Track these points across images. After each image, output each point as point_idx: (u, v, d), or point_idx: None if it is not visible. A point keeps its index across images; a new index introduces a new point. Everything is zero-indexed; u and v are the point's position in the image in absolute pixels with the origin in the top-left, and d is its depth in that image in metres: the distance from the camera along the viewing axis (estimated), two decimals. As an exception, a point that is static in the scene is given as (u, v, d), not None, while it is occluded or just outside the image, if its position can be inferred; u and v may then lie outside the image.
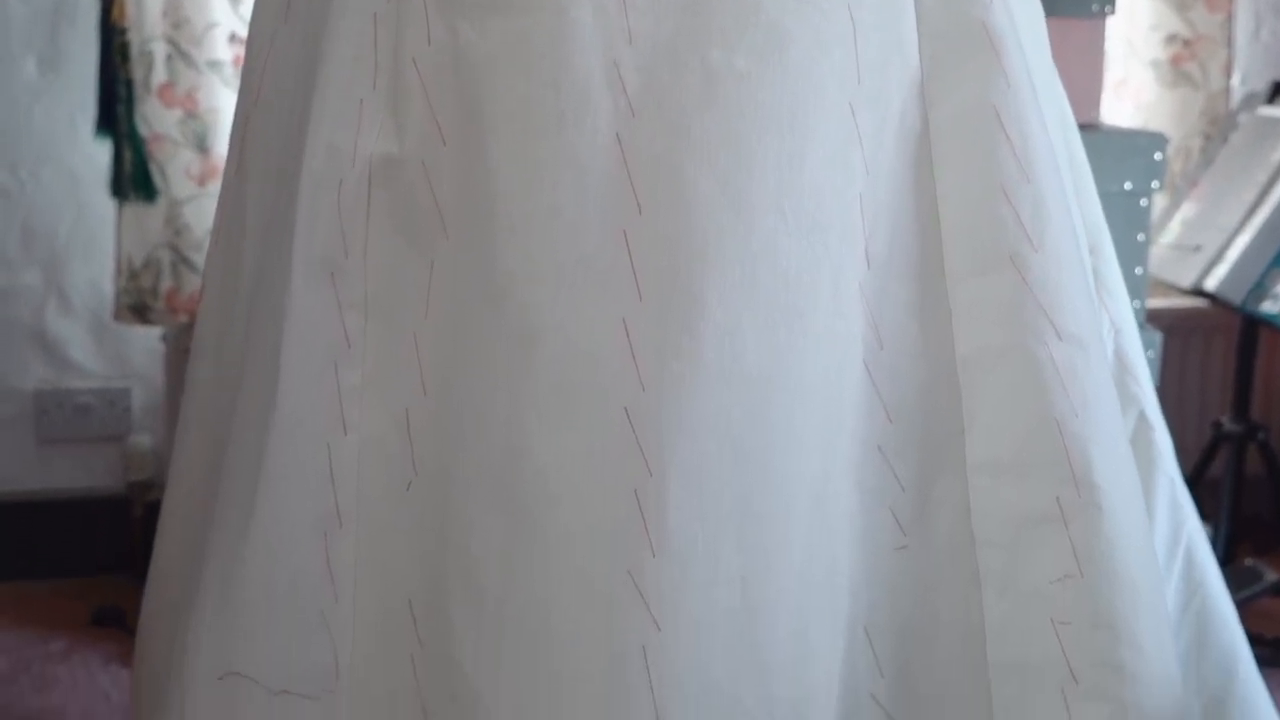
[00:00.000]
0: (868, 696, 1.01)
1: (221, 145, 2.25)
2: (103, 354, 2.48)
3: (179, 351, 2.34)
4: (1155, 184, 2.16)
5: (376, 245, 1.02)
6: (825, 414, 0.99)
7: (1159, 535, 1.31)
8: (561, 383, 0.96)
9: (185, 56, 2.29)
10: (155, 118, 2.29)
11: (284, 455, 1.01)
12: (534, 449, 0.96)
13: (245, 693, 1.03)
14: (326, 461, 1.02)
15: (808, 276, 0.99)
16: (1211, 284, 2.35)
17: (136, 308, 2.32)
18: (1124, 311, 1.32)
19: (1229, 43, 2.71)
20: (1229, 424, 2.51)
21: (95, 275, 2.44)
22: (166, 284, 2.32)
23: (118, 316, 2.33)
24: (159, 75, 2.28)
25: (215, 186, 2.24)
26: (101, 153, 2.28)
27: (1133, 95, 2.72)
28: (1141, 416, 1.33)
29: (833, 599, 1.00)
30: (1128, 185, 2.12)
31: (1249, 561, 2.42)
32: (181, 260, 2.32)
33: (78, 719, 1.99)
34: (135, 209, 2.30)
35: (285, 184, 1.04)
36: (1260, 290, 2.28)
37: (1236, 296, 2.30)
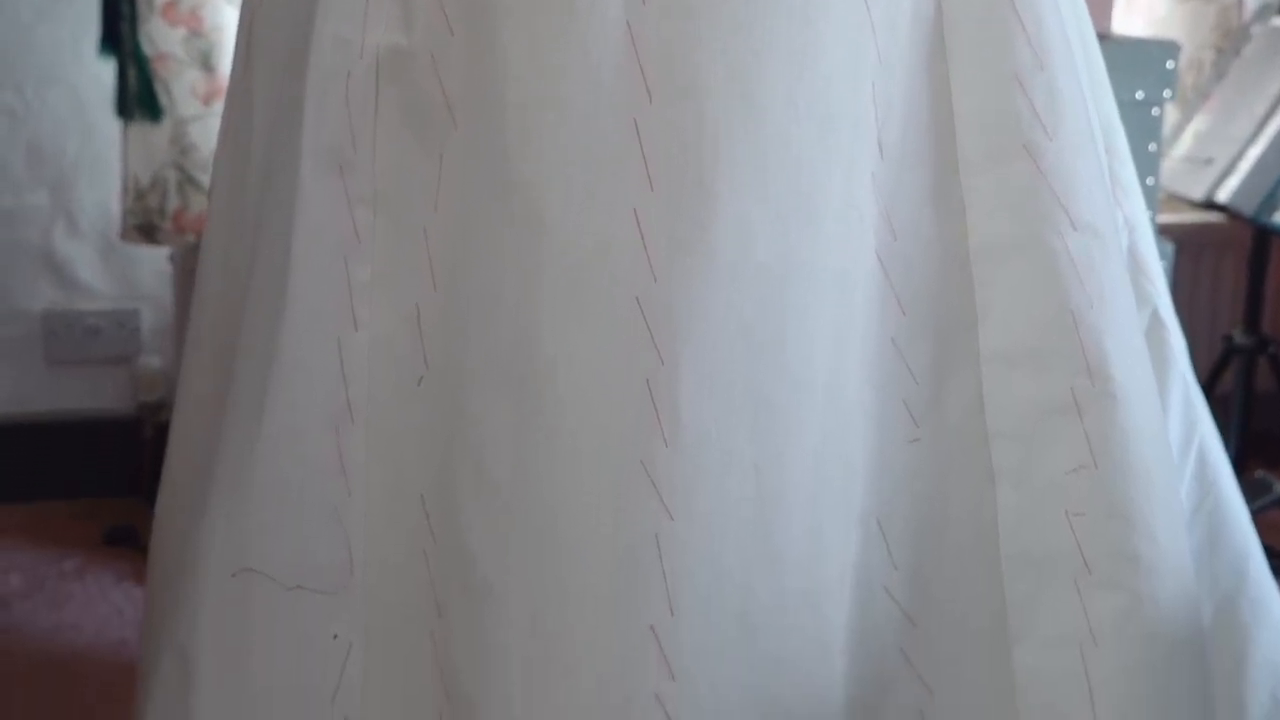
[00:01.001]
0: (881, 589, 1.01)
1: (226, 64, 2.23)
2: (111, 275, 2.47)
3: (186, 272, 2.33)
4: (1167, 93, 2.14)
5: (385, 139, 1.01)
6: (838, 305, 0.98)
7: (1172, 434, 1.31)
8: (572, 272, 0.95)
9: (188, -27, 2.27)
10: (160, 36, 2.28)
11: (295, 350, 1.01)
12: (544, 339, 0.95)
13: (259, 589, 1.04)
14: (337, 357, 1.02)
15: (820, 167, 0.98)
16: (1223, 195, 2.33)
17: (144, 228, 2.31)
18: (1138, 210, 1.31)
19: (1241, -47, 2.68)
20: (1240, 337, 2.51)
21: (102, 196, 2.43)
22: (173, 204, 2.31)
23: (125, 236, 2.32)
24: (162, -8, 2.26)
25: (221, 105, 2.23)
26: (107, 72, 2.27)
27: (1144, 9, 2.69)
28: (1155, 316, 1.33)
29: (846, 491, 0.99)
30: (1139, 94, 2.11)
31: (1259, 473, 2.43)
32: (188, 180, 2.31)
33: (92, 634, 2.00)
34: (141, 128, 2.29)
35: (292, 79, 1.03)
36: (1273, 201, 2.26)
37: (1249, 207, 2.28)
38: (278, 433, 1.01)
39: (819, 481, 0.98)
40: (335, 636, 1.04)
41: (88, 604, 2.10)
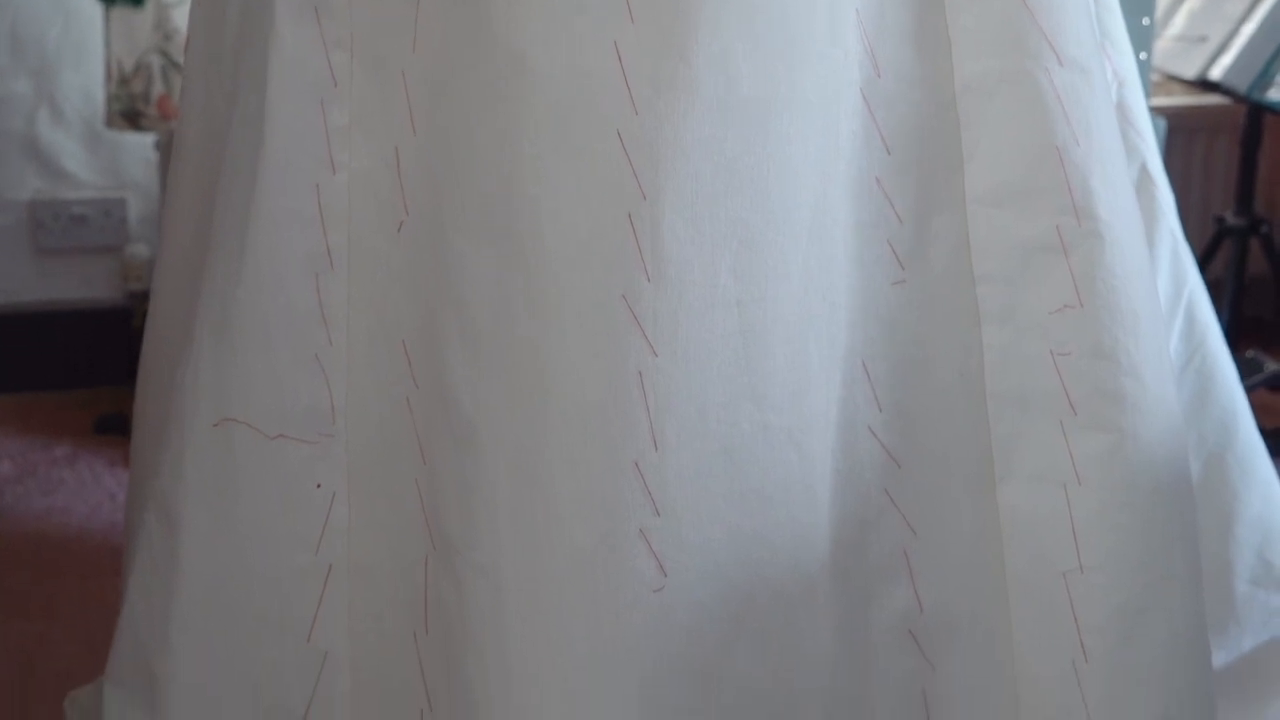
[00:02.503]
0: (865, 429, 1.01)
1: (208, -56, 2.20)
2: (97, 164, 2.45)
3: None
4: (1161, -34, 2.11)
5: None
6: (821, 142, 0.97)
7: (1160, 289, 1.31)
8: (551, 107, 0.94)
9: None
10: (139, -82, 2.25)
11: (273, 195, 1.00)
12: (525, 178, 0.94)
13: (242, 438, 1.03)
14: (315, 202, 1.01)
15: (803, 2, 0.96)
16: (1216, 73, 2.31)
17: (128, 114, 2.29)
18: (1127, 64, 1.30)
19: None
20: (1231, 219, 2.50)
21: (86, 83, 2.41)
22: (157, 89, 2.29)
23: (109, 123, 2.30)
24: None
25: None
26: (86, -45, 2.24)
27: (1139, -112, 2.65)
28: (1144, 170, 1.32)
29: (830, 330, 0.99)
30: (1133, -33, 2.08)
31: (1250, 353, 2.42)
32: (171, 65, 2.29)
33: (83, 517, 2.01)
34: (123, 13, 2.26)
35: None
36: (1266, 78, 2.24)
37: (1242, 85, 2.26)
38: (258, 279, 1.00)
39: (803, 319, 0.97)
40: (319, 486, 1.04)
41: (79, 489, 2.10)
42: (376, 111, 1.01)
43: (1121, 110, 1.27)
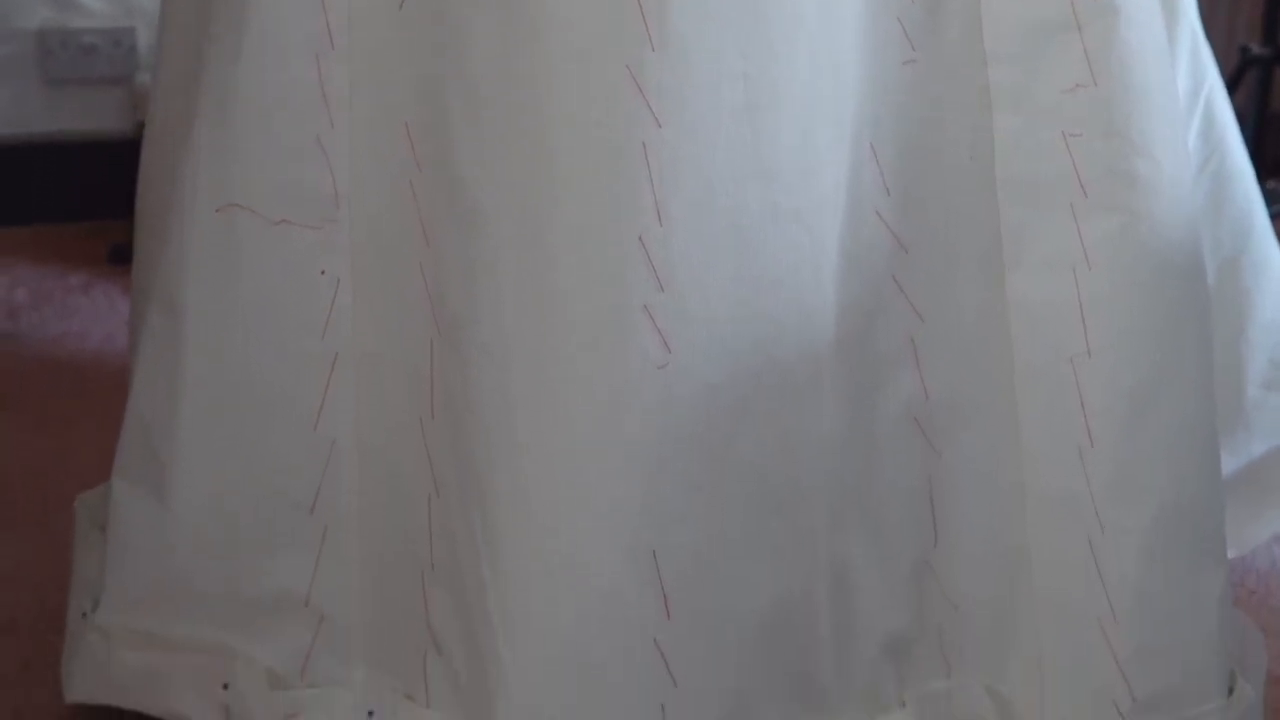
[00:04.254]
0: (872, 213, 1.00)
1: None
2: (106, -8, 2.43)
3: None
4: None
5: None
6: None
7: (1179, 86, 1.28)
8: None
9: None
10: None
11: (271, -27, 0.99)
12: None
13: (244, 224, 1.03)
14: (315, -21, 1.00)
15: None
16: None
17: (136, -61, 2.26)
18: None
19: None
20: (1257, 48, 2.45)
21: (93, -94, 2.37)
22: (164, -86, 2.25)
23: (118, -51, 2.27)
24: None
25: None
26: None
27: None
28: (1164, -37, 1.29)
29: (838, 109, 0.97)
30: None
31: (1272, 184, 2.40)
32: (178, -112, 2.25)
33: (100, 341, 2.02)
34: None
35: None
36: (1296, -104, 2.19)
37: (1271, -96, 2.21)
38: (257, 57, 0.99)
39: (811, 98, 0.96)
40: (323, 272, 1.04)
41: (95, 316, 2.10)
42: None
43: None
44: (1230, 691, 1.06)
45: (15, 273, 2.24)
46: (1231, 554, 1.19)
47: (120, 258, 2.30)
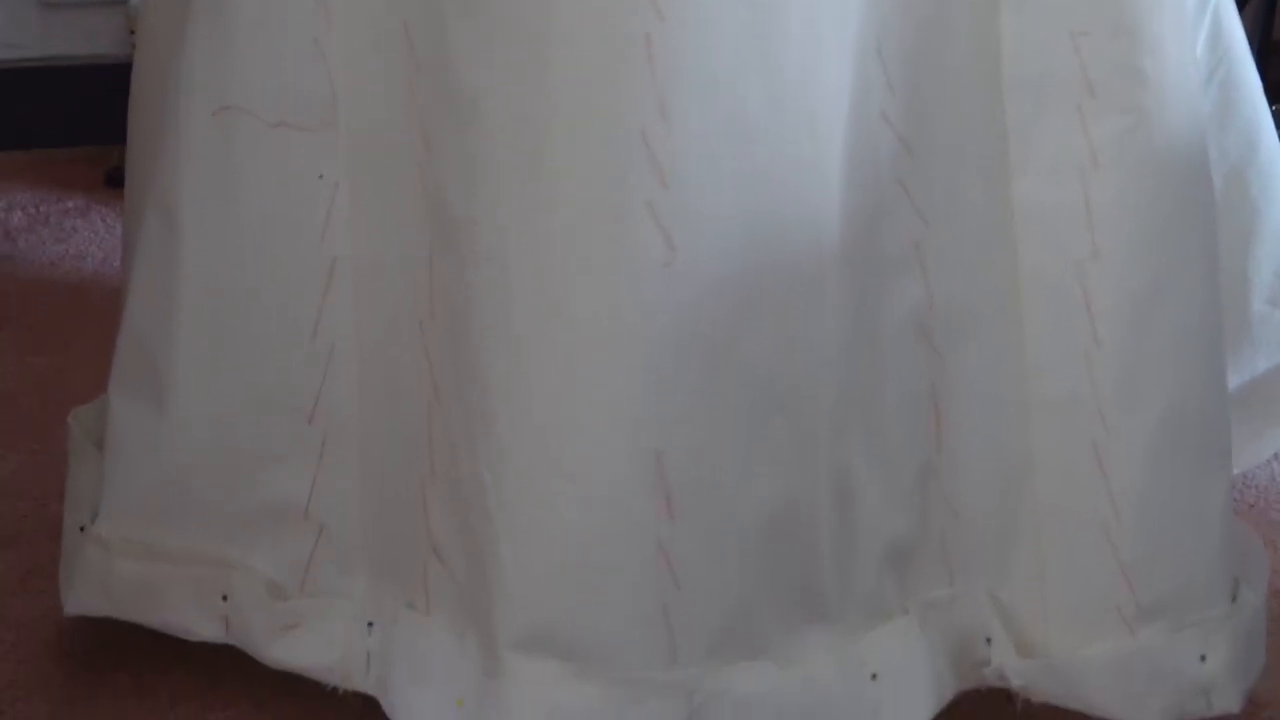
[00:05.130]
0: (878, 115, 0.99)
1: None
2: (100, -89, 2.40)
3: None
4: None
5: None
6: None
7: (1187, -3, 1.27)
8: None
9: None
10: None
11: None
12: None
13: (241, 127, 1.02)
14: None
15: None
16: None
17: None
18: None
19: None
20: (1265, -31, 2.42)
21: None
22: None
23: None
24: None
25: None
26: None
27: None
28: None
29: (843, 7, 0.96)
30: None
31: (1275, 107, 2.37)
32: None
33: (98, 262, 2.01)
34: None
35: None
36: None
37: None
38: (253, -42, 0.98)
39: (816, -4, 0.94)
40: (321, 176, 1.03)
41: (92, 237, 2.09)
42: None
43: None
44: (1233, 598, 1.06)
45: (11, 196, 2.23)
46: (1233, 470, 1.19)
47: (117, 181, 2.28)
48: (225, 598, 1.11)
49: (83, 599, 1.15)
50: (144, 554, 1.11)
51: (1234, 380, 1.37)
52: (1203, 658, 1.04)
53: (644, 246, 0.91)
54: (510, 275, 0.94)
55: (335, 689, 1.09)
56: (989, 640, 1.07)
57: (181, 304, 1.05)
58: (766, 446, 0.95)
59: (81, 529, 1.15)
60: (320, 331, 1.05)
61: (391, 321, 1.03)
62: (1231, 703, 1.05)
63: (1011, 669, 1.06)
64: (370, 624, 1.07)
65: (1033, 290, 1.03)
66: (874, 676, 1.01)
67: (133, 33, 2.43)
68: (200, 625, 1.12)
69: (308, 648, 1.08)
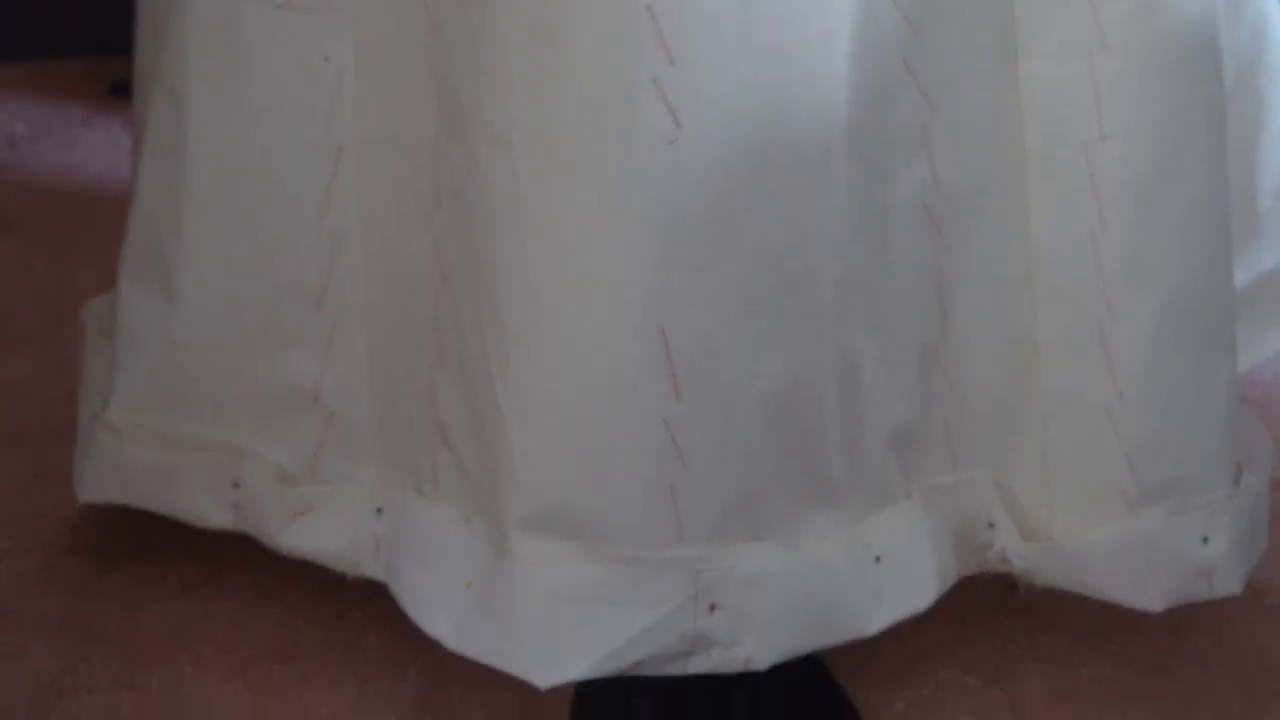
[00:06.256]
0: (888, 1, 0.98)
1: None
2: None
3: None
4: None
5: None
6: None
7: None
8: None
9: None
10: None
11: None
12: None
13: (247, 8, 1.02)
14: None
15: None
16: None
17: None
18: None
19: None
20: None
21: None
22: None
23: None
24: None
25: None
26: None
27: None
28: None
29: None
30: None
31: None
32: None
33: (101, 171, 2.01)
34: None
35: None
36: None
37: None
38: None
39: None
40: (327, 59, 1.02)
41: (95, 147, 2.09)
42: None
43: None
44: (1236, 483, 1.06)
45: (14, 106, 2.22)
46: (1241, 367, 1.19)
47: (121, 91, 2.27)
48: (236, 485, 1.11)
49: (95, 485, 1.15)
50: (155, 440, 1.12)
51: (1241, 278, 1.37)
52: (1205, 540, 1.05)
53: (650, 124, 0.91)
54: (516, 157, 0.94)
55: (343, 577, 1.10)
56: (992, 525, 1.07)
57: (190, 187, 1.05)
58: (773, 326, 0.95)
59: (94, 418, 1.16)
60: (328, 216, 1.05)
61: (398, 207, 1.03)
62: (1233, 585, 1.06)
63: (1014, 552, 1.07)
64: (379, 510, 1.07)
65: (1039, 173, 1.03)
66: (878, 560, 1.02)
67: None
68: (212, 512, 1.13)
69: (318, 534, 1.09)
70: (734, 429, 0.95)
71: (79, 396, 1.23)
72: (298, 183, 1.04)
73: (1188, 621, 1.19)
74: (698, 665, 0.97)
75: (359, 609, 1.17)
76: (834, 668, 1.09)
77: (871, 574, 1.01)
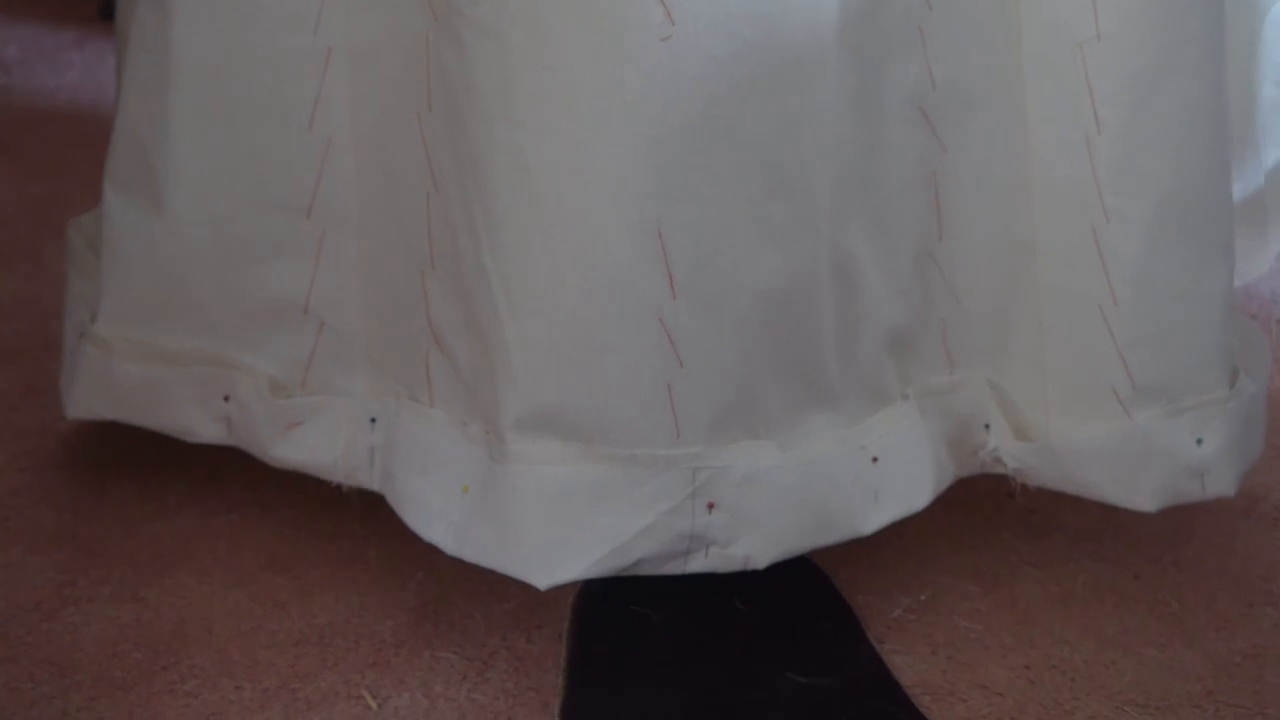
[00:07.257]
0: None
1: None
2: None
3: None
4: None
5: None
6: None
7: None
8: None
9: None
10: None
11: None
12: None
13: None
14: None
15: None
16: None
17: None
18: None
19: None
20: None
21: None
22: None
23: None
24: None
25: None
26: None
27: None
28: None
29: None
30: None
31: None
32: None
33: (93, 94, 2.00)
34: None
35: None
36: None
37: None
38: None
39: None
40: None
41: (88, 70, 2.08)
42: None
43: None
44: (1232, 385, 1.06)
45: (5, 30, 2.21)
46: (1239, 280, 1.18)
47: (111, 14, 2.26)
48: (227, 398, 1.10)
49: (83, 402, 1.14)
50: (144, 354, 1.11)
51: (1239, 191, 1.36)
52: (1199, 441, 1.04)
53: (644, 19, 0.89)
54: (508, 53, 0.92)
55: (339, 490, 1.09)
56: (987, 426, 1.07)
57: (175, 94, 1.04)
58: (768, 226, 0.94)
59: (81, 334, 1.14)
60: (316, 123, 1.03)
61: (387, 112, 1.02)
62: (1226, 486, 1.06)
63: (1007, 452, 1.06)
64: (373, 419, 1.07)
65: (1035, 74, 1.02)
66: (875, 460, 1.01)
67: None
68: (202, 426, 1.12)
69: (311, 445, 1.08)
70: (730, 328, 0.94)
71: (64, 313, 1.21)
72: (286, 89, 1.03)
73: (1184, 528, 1.19)
74: (696, 564, 0.97)
75: (360, 524, 1.17)
76: (833, 577, 1.09)
77: (868, 474, 1.01)
